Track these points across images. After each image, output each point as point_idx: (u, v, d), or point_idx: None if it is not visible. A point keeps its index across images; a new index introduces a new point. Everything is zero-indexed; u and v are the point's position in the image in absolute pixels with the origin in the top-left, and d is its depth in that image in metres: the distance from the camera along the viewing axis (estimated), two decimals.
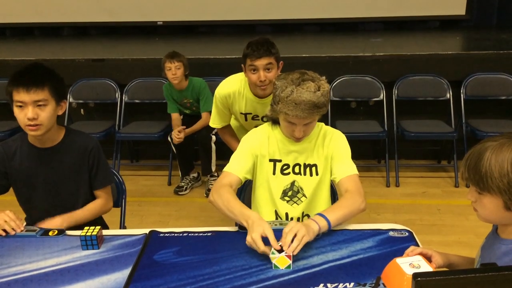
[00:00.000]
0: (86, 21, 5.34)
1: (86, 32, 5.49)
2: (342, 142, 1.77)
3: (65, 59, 4.09)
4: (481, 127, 3.45)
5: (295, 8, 5.11)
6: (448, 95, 3.65)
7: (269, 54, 2.20)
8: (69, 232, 1.61)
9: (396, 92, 3.69)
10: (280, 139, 1.76)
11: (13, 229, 1.59)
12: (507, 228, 1.18)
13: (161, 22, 5.27)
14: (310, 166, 1.75)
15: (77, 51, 4.98)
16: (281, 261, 1.35)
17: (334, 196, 1.90)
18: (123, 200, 2.02)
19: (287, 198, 1.77)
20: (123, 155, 3.93)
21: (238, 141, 2.53)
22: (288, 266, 1.35)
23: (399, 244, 1.47)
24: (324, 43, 4.87)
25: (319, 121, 1.80)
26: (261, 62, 2.19)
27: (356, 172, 1.71)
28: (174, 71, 3.32)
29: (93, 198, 1.86)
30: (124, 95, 3.85)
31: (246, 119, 2.48)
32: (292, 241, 1.36)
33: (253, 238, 1.38)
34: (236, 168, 1.72)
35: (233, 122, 2.67)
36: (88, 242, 1.49)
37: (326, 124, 1.83)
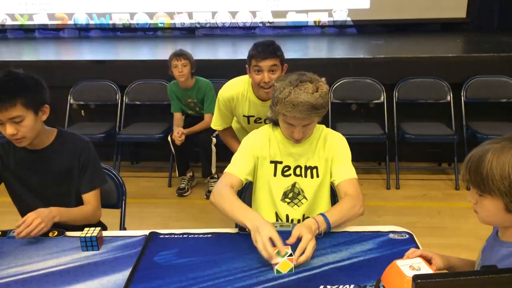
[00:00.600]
0: (87, 23, 5.35)
1: (87, 34, 5.50)
2: (343, 145, 1.77)
3: (66, 61, 4.10)
4: (481, 130, 3.45)
5: (297, 11, 5.12)
6: (448, 98, 3.66)
7: (274, 56, 2.21)
8: (69, 233, 1.60)
9: (396, 94, 3.69)
10: (281, 140, 1.76)
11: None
12: (508, 230, 1.18)
13: (163, 24, 5.28)
14: (311, 168, 1.75)
15: (78, 53, 5.01)
16: (283, 266, 1.34)
17: (335, 198, 1.89)
18: (123, 202, 2.02)
19: (287, 200, 1.77)
20: (124, 156, 3.93)
21: (239, 142, 2.53)
22: (291, 270, 1.35)
23: (399, 246, 1.47)
24: (325, 46, 4.88)
25: (320, 123, 1.80)
26: (266, 63, 2.20)
27: (355, 176, 1.71)
28: (180, 68, 3.34)
29: None
30: (124, 97, 3.85)
31: (248, 122, 2.48)
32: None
33: (264, 243, 1.35)
34: (237, 169, 1.71)
35: (234, 124, 2.67)
36: (88, 243, 1.49)
37: (327, 126, 1.83)
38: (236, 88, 2.40)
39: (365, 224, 1.62)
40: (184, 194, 3.52)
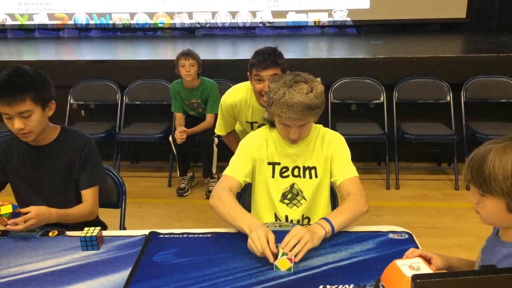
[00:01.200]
0: (87, 23, 5.35)
1: (87, 34, 5.50)
2: (342, 144, 1.76)
3: (66, 60, 4.10)
4: (481, 130, 3.46)
5: (297, 11, 5.12)
6: (448, 98, 3.66)
7: (275, 65, 2.20)
8: (69, 233, 1.61)
9: (396, 94, 3.70)
10: (278, 141, 1.76)
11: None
12: (508, 230, 1.17)
13: (163, 24, 5.28)
14: (310, 168, 1.75)
15: (78, 53, 5.01)
16: (282, 263, 1.35)
17: (334, 198, 1.90)
18: (123, 201, 2.02)
19: (286, 201, 1.76)
20: (124, 156, 3.93)
21: None
22: (289, 269, 1.35)
23: (399, 246, 1.47)
24: (324, 46, 4.88)
25: (319, 123, 1.80)
26: (267, 73, 2.19)
27: (356, 174, 1.71)
28: (188, 68, 3.34)
29: None
30: (124, 97, 3.85)
31: (252, 128, 2.48)
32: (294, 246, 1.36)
33: (258, 235, 1.36)
34: (236, 171, 1.71)
35: (237, 127, 2.68)
36: (88, 243, 1.49)
37: (326, 126, 1.83)
38: (239, 95, 2.41)
39: (364, 224, 1.63)
40: (184, 194, 3.53)
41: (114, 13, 5.30)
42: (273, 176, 1.76)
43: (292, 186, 1.75)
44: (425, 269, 1.22)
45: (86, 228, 1.53)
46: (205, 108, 3.51)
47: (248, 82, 2.36)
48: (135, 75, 3.87)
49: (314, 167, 1.75)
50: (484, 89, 3.65)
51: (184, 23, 5.30)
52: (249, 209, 1.83)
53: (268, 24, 5.23)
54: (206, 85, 3.47)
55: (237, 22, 5.22)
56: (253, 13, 5.17)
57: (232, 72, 3.70)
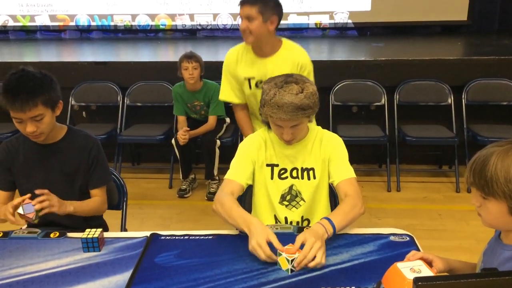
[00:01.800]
0: (89, 24, 5.36)
1: (89, 35, 5.51)
2: (339, 145, 1.77)
3: (67, 62, 4.10)
4: (482, 133, 3.46)
5: (298, 13, 5.13)
6: (449, 100, 3.66)
7: (252, 3, 2.37)
8: (70, 234, 1.61)
9: (397, 97, 3.70)
10: (277, 143, 1.76)
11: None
12: (510, 233, 1.17)
13: (164, 26, 5.29)
14: (308, 170, 1.75)
15: (80, 54, 5.01)
16: (283, 263, 1.36)
17: (334, 199, 1.90)
18: (124, 203, 2.02)
19: (285, 203, 1.77)
20: (125, 157, 3.93)
21: (251, 128, 2.58)
22: (287, 270, 1.35)
23: (400, 248, 1.47)
24: (326, 48, 4.88)
25: (318, 125, 1.81)
26: (242, 12, 2.40)
27: (354, 175, 1.71)
28: (191, 71, 3.33)
29: (88, 197, 1.86)
30: (126, 98, 3.85)
31: (250, 87, 2.53)
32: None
33: (259, 243, 1.37)
34: (237, 174, 1.72)
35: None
36: (90, 244, 1.49)
37: (328, 128, 1.83)
38: (235, 50, 2.59)
39: (365, 226, 1.63)
40: (185, 196, 3.53)
41: (115, 15, 5.31)
42: (271, 178, 1.76)
43: (290, 187, 1.76)
44: (427, 271, 1.22)
45: (87, 230, 1.53)
46: (207, 110, 3.51)
47: (244, 42, 2.53)
48: (136, 76, 3.88)
49: (313, 169, 1.75)
50: (485, 91, 3.65)
51: (185, 25, 5.30)
52: (250, 211, 1.83)
53: None
54: (209, 88, 3.47)
55: (238, 24, 5.21)
56: None
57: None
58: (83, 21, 5.36)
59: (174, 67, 3.44)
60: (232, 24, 5.24)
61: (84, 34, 5.50)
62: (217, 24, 5.26)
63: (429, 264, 1.28)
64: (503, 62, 3.65)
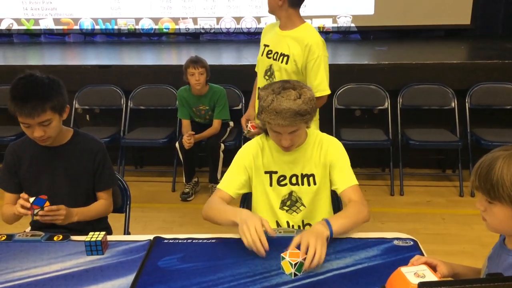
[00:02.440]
0: (93, 28, 5.39)
1: (93, 39, 5.53)
2: (340, 150, 1.76)
3: (71, 65, 4.12)
4: (486, 137, 3.45)
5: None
6: (453, 104, 3.65)
7: None
8: (73, 237, 1.61)
9: (400, 100, 3.69)
10: (275, 149, 1.75)
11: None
12: None
13: (168, 29, 5.31)
14: (308, 176, 1.74)
15: (84, 58, 5.03)
16: (286, 266, 1.35)
17: (339, 203, 1.89)
18: (128, 206, 2.03)
19: (286, 208, 1.77)
20: (128, 161, 3.94)
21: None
22: (290, 274, 1.35)
23: (404, 253, 1.47)
24: (329, 52, 4.87)
25: (322, 129, 1.80)
26: None
27: (356, 182, 1.70)
28: (197, 76, 3.32)
29: (93, 200, 1.87)
30: (129, 101, 3.86)
31: (262, 54, 2.61)
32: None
33: (257, 231, 1.39)
34: (227, 185, 1.74)
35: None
36: (93, 248, 1.50)
37: (331, 131, 1.83)
38: (275, 24, 2.68)
39: (368, 231, 1.62)
40: (188, 199, 3.53)
41: (119, 18, 5.33)
42: (270, 185, 1.76)
43: (290, 194, 1.75)
44: (431, 276, 1.21)
45: (91, 233, 1.53)
46: (212, 115, 3.51)
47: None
48: (139, 80, 3.89)
49: (312, 175, 1.74)
50: (489, 95, 3.64)
51: (189, 29, 5.32)
52: None
53: None
54: (215, 91, 3.47)
55: (241, 28, 5.23)
56: (258, 19, 5.19)
57: (236, 78, 3.71)
58: (87, 24, 5.38)
59: (177, 71, 3.45)
60: (235, 28, 5.25)
61: (88, 37, 5.52)
62: (220, 28, 5.27)
63: (433, 268, 1.27)
64: (507, 66, 3.64)
